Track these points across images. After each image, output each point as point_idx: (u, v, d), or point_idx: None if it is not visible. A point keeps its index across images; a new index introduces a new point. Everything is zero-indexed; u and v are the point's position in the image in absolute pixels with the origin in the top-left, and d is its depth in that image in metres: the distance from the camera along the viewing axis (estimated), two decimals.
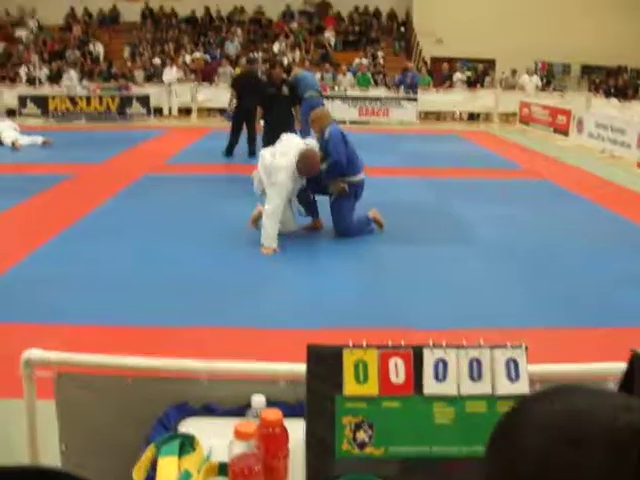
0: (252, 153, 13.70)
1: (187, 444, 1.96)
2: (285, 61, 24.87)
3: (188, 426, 2.15)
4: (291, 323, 5.57)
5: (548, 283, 6.91)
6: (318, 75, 20.64)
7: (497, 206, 10.22)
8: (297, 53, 26.04)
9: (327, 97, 19.01)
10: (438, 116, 24.64)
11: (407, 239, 8.38)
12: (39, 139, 15.84)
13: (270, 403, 2.05)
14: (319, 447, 1.92)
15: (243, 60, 21.96)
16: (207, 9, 29.05)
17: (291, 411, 2.07)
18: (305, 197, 8.53)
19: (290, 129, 10.82)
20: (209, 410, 2.23)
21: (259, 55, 24.70)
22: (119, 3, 29.24)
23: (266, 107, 10.76)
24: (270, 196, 7.77)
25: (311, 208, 8.69)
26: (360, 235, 8.40)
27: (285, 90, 11.15)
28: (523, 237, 8.64)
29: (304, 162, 7.79)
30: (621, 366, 2.21)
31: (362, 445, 1.92)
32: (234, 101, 14.03)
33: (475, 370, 1.96)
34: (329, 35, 27.78)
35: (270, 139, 10.04)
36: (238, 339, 5.29)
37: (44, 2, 28.49)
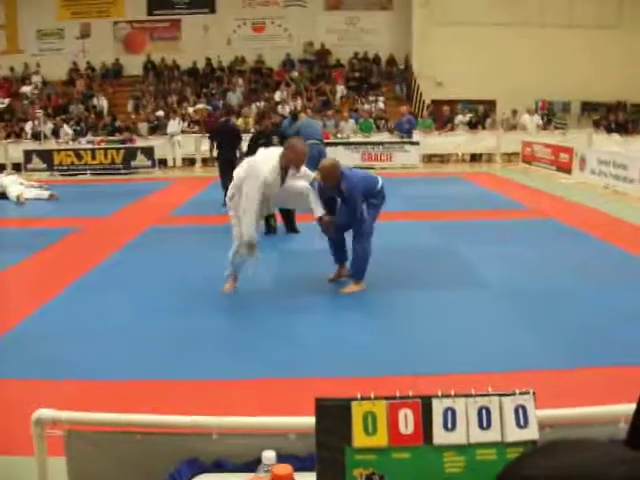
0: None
1: None
2: (287, 109, 25.12)
3: None
4: (299, 373, 5.54)
5: (556, 323, 6.86)
6: (320, 122, 20.79)
7: (503, 247, 10.21)
8: (299, 101, 26.25)
9: (330, 144, 19.14)
10: (442, 158, 24.81)
11: (413, 283, 8.35)
12: (45, 193, 15.97)
13: (280, 456, 2.05)
14: None
15: (245, 110, 22.22)
16: (208, 60, 29.43)
17: (302, 464, 2.08)
18: (337, 239, 8.26)
19: None
20: (220, 466, 2.23)
21: (260, 105, 24.98)
22: (121, 57, 29.71)
23: None
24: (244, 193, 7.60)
25: (340, 251, 8.37)
26: (368, 253, 8.14)
27: (275, 140, 11.22)
28: (530, 277, 8.61)
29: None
30: (630, 407, 2.22)
31: None
32: (215, 151, 14.61)
33: (484, 418, 1.97)
34: (340, 88, 28.01)
35: None
36: (247, 391, 5.27)
37: (48, 57, 29.03)
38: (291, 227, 11.67)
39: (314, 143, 14.21)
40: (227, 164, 13.95)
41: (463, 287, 8.26)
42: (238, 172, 7.75)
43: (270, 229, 11.45)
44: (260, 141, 11.06)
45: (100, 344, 6.38)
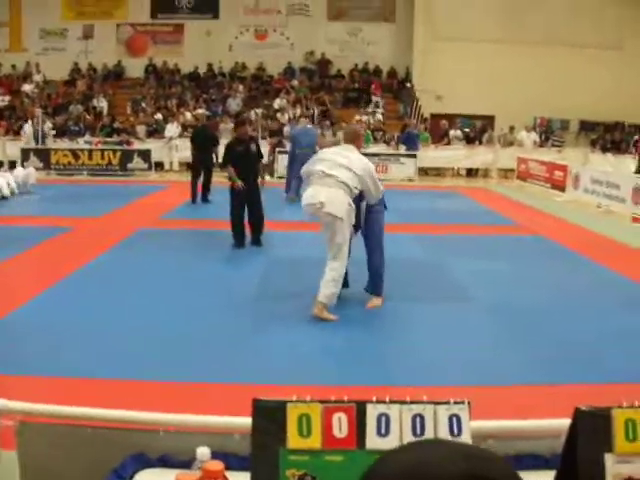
0: (204, 199, 16.06)
1: None
2: (286, 116, 25.25)
3: (144, 477, 2.21)
4: (265, 379, 5.56)
5: (537, 340, 6.91)
6: (318, 131, 20.86)
7: (490, 262, 10.25)
8: (298, 110, 26.34)
9: None
10: (438, 172, 24.92)
11: (398, 295, 8.39)
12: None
13: (224, 455, 2.11)
14: None
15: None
16: (209, 65, 29.53)
17: (242, 464, 2.13)
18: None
19: (257, 186, 11.19)
20: (165, 461, 2.28)
21: (258, 112, 25.08)
22: (123, 59, 29.81)
23: (234, 165, 10.82)
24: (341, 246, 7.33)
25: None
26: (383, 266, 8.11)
27: (253, 148, 11.24)
28: (515, 293, 8.65)
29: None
30: (566, 422, 2.28)
31: None
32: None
33: (418, 426, 2.02)
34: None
35: (237, 194, 10.91)
36: (203, 394, 5.32)
37: (50, 57, 29.14)
38: (257, 239, 11.32)
39: (305, 151, 14.53)
40: (201, 164, 15.97)
41: (447, 300, 8.30)
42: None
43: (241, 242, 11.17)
44: (238, 148, 11.03)
45: (74, 343, 6.44)
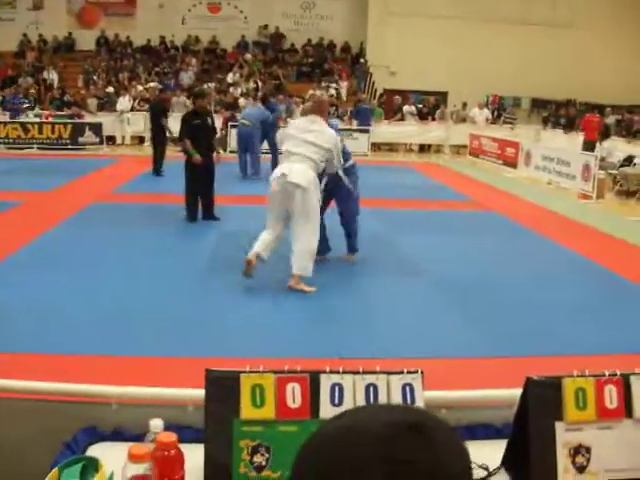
0: (156, 173, 16.13)
1: (90, 467, 1.99)
2: (239, 91, 25.08)
3: (96, 450, 2.19)
4: (220, 352, 5.57)
5: (488, 314, 7.00)
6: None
7: (443, 237, 10.35)
8: (251, 84, 26.18)
9: (281, 128, 19.16)
10: (391, 147, 24.98)
11: (355, 270, 8.45)
12: None
13: (178, 428, 2.10)
14: (217, 470, 1.97)
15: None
16: (162, 38, 29.16)
17: (196, 435, 2.12)
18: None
19: (212, 160, 11.11)
20: (118, 435, 2.27)
21: (211, 85, 24.86)
22: (74, 31, 29.29)
23: (191, 138, 10.72)
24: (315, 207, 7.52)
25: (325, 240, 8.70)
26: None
27: (210, 121, 11.17)
28: (465, 267, 8.75)
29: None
30: (517, 392, 2.30)
31: (259, 468, 1.98)
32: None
33: (371, 395, 2.03)
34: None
35: (193, 168, 10.83)
36: (156, 367, 5.32)
37: None
38: (211, 214, 11.28)
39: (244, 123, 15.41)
40: (157, 133, 16.17)
41: (400, 275, 8.37)
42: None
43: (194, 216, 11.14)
44: (194, 121, 10.91)
45: (24, 319, 6.36)
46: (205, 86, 24.33)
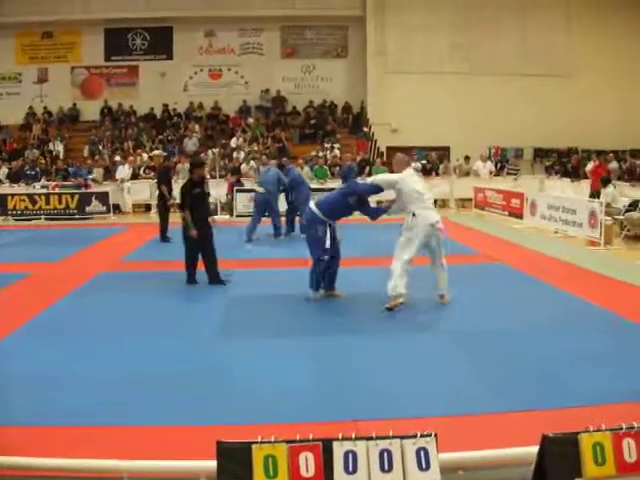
0: (163, 239, 16.15)
1: None
2: (242, 155, 25.30)
3: None
4: (231, 418, 5.50)
5: (500, 368, 6.93)
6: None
7: (455, 290, 10.26)
8: (254, 147, 26.41)
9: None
10: None
11: (367, 329, 8.41)
12: None
13: None
14: None
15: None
16: (165, 106, 29.53)
17: None
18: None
19: (209, 225, 11.24)
20: None
21: (215, 151, 25.04)
22: (78, 102, 29.76)
23: (192, 207, 10.80)
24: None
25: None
26: None
27: (207, 188, 11.31)
28: (479, 322, 8.70)
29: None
30: (533, 450, 2.27)
31: None
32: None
33: (386, 461, 1.99)
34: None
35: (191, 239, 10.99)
36: (166, 437, 5.23)
37: (4, 101, 29.07)
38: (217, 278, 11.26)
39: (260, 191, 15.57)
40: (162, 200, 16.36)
41: (411, 331, 8.32)
42: None
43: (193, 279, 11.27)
44: (194, 191, 10.99)
45: (29, 390, 6.32)
46: (209, 152, 24.60)
